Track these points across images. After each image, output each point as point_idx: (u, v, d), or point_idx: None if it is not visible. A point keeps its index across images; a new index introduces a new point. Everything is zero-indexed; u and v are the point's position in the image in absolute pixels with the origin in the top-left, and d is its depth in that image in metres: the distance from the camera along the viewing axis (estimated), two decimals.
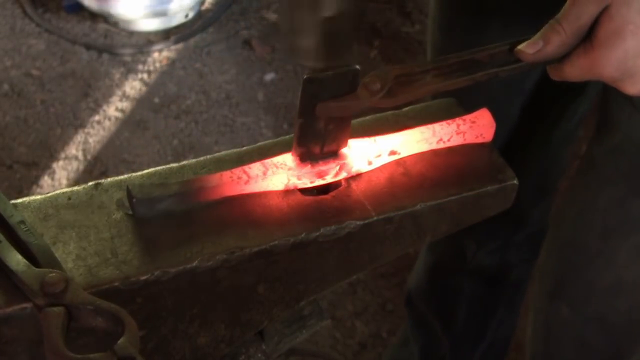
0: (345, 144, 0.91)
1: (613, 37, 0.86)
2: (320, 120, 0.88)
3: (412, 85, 0.89)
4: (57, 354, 0.71)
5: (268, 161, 0.89)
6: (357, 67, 0.86)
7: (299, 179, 0.89)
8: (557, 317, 1.43)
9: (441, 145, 0.95)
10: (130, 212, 0.86)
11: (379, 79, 0.88)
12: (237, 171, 0.88)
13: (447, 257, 1.66)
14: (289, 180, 0.89)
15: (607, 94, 1.26)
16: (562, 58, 0.90)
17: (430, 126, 0.95)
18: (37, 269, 0.77)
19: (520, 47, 0.90)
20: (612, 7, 0.86)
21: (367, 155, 0.91)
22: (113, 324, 0.74)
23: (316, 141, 0.89)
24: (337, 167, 0.90)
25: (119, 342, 0.71)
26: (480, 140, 0.96)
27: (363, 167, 0.92)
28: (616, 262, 1.31)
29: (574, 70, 0.90)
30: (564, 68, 0.90)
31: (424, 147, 0.94)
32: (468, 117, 0.96)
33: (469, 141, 0.96)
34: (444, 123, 0.95)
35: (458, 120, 0.96)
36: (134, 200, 0.84)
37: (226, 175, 0.87)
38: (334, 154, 0.91)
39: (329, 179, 0.90)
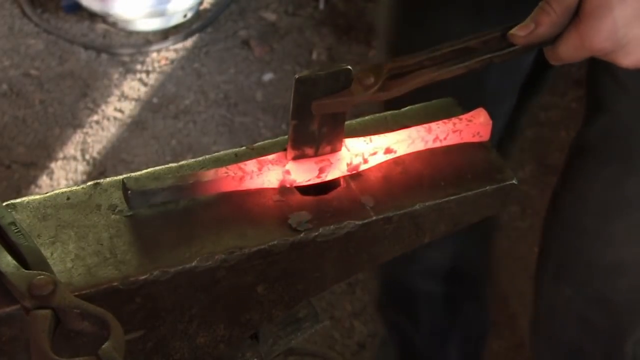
0: (339, 145, 0.91)
1: (600, 8, 0.86)
2: (315, 121, 0.88)
3: (406, 76, 0.89)
4: (42, 357, 0.71)
5: (263, 159, 0.90)
6: (349, 67, 0.86)
7: (294, 176, 0.89)
8: (560, 299, 1.44)
9: (438, 144, 0.95)
10: (127, 214, 0.86)
11: (372, 73, 0.88)
12: (233, 167, 0.88)
13: (396, 259, 1.65)
14: (284, 177, 0.89)
15: (595, 76, 1.27)
16: (555, 39, 0.90)
17: (426, 125, 0.95)
18: (25, 271, 0.76)
19: (512, 31, 0.90)
20: None
21: (362, 153, 0.91)
22: (99, 328, 0.73)
23: (310, 143, 0.89)
24: (332, 165, 0.90)
25: (102, 346, 0.70)
26: (477, 139, 0.96)
27: (358, 165, 0.91)
28: (615, 242, 1.32)
29: (568, 49, 0.90)
30: (558, 49, 0.90)
31: (420, 146, 0.94)
32: (464, 116, 0.96)
33: (466, 140, 0.96)
34: (440, 122, 0.95)
35: (454, 119, 0.96)
36: (129, 192, 0.84)
37: (221, 170, 0.88)
38: (329, 153, 0.91)
39: (324, 176, 0.91)
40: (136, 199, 0.85)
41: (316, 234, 0.86)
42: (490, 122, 0.96)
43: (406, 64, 0.89)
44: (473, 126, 0.95)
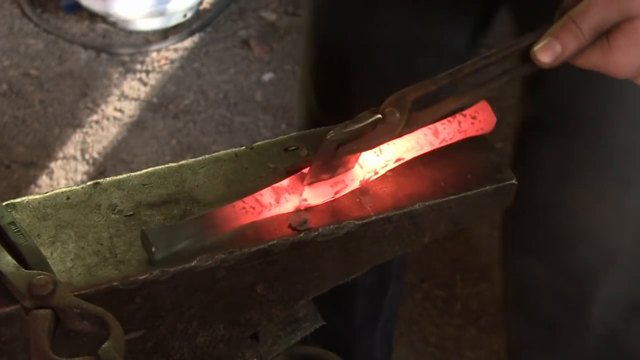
0: (354, 164, 0.90)
1: (635, 46, 0.84)
2: (337, 155, 0.87)
3: (432, 106, 0.88)
4: (42, 357, 0.71)
5: (278, 186, 0.88)
6: (376, 109, 0.85)
7: (310, 201, 0.88)
8: (527, 273, 1.45)
9: (443, 144, 0.94)
10: (127, 214, 0.86)
11: (396, 107, 0.85)
12: (249, 201, 0.86)
13: None
14: (300, 203, 0.88)
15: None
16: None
17: (432, 126, 0.94)
18: (25, 271, 0.76)
19: (536, 52, 0.87)
20: (637, 21, 0.83)
21: (374, 168, 0.90)
22: (99, 328, 0.73)
23: (329, 171, 0.88)
24: (347, 187, 0.89)
25: (102, 346, 0.70)
26: (480, 132, 0.96)
27: (370, 179, 0.91)
28: (569, 209, 1.34)
29: (587, 64, 0.88)
30: (577, 61, 0.88)
31: (427, 149, 0.93)
32: (468, 112, 0.95)
33: (470, 135, 0.95)
34: (445, 122, 0.94)
35: (459, 117, 0.95)
36: (154, 249, 0.82)
37: (238, 206, 0.85)
38: (343, 173, 0.90)
39: (338, 197, 0.90)
40: (161, 255, 0.83)
41: (316, 233, 0.86)
42: (494, 117, 0.95)
43: (429, 92, 0.87)
44: (478, 123, 0.95)
